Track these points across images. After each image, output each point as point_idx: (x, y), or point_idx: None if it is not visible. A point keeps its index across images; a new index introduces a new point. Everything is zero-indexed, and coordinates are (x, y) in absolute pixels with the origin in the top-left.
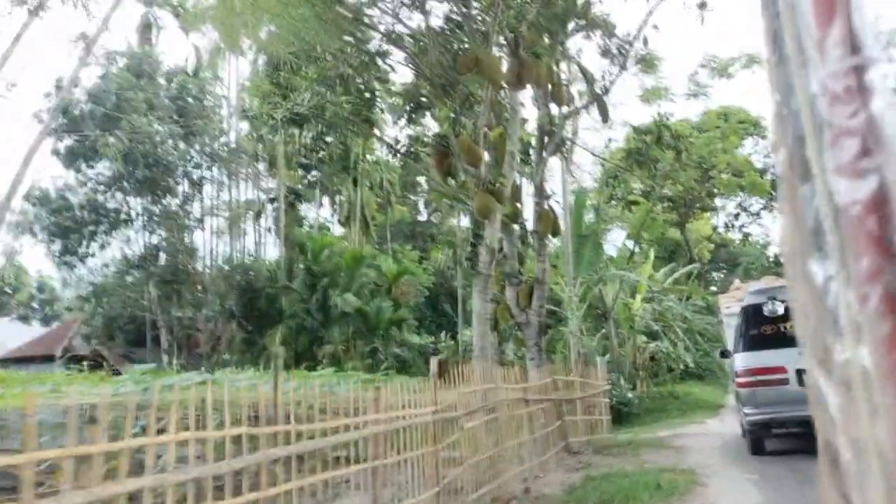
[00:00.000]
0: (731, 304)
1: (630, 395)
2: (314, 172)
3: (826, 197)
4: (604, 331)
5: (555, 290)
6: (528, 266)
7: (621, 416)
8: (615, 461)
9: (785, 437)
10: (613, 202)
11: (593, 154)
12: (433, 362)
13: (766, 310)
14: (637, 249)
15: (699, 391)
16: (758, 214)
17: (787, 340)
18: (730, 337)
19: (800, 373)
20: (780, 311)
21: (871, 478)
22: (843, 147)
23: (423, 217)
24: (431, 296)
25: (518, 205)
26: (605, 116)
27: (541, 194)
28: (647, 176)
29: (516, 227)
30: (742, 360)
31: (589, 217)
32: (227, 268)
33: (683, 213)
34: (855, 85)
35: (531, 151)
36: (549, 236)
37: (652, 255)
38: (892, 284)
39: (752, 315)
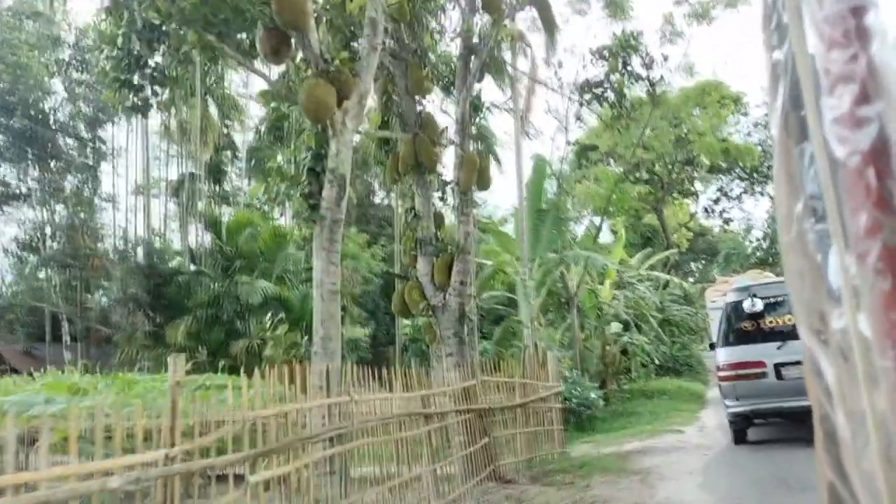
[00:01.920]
0: (716, 299)
1: (594, 395)
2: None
3: (823, 151)
4: (568, 321)
5: (508, 274)
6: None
7: (583, 420)
8: (556, 497)
9: (766, 427)
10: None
11: (535, 81)
12: (171, 362)
13: (747, 306)
14: (606, 227)
15: (676, 389)
16: (739, 198)
17: (766, 336)
18: (715, 330)
19: (778, 367)
20: (760, 307)
21: (869, 450)
22: (842, 95)
23: (379, 199)
24: (385, 284)
25: (437, 150)
26: (548, 26)
27: (464, 132)
28: (613, 118)
29: (432, 178)
30: (724, 355)
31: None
32: (130, 250)
33: (661, 196)
34: (853, 28)
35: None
36: (476, 189)
37: (623, 233)
38: (891, 239)
39: (734, 311)
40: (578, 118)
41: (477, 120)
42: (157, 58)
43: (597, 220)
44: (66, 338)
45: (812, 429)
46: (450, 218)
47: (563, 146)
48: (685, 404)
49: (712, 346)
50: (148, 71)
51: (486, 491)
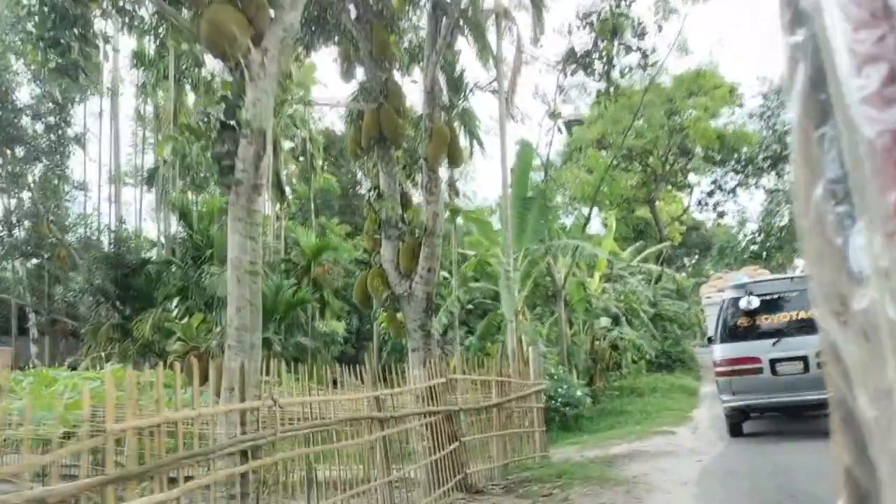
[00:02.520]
0: (712, 295)
1: (580, 393)
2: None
3: (849, 132)
4: (555, 315)
5: (493, 265)
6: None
7: (568, 420)
8: None
9: (760, 421)
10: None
11: (521, 59)
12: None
13: (743, 303)
14: (597, 219)
15: (668, 386)
16: (733, 191)
17: (762, 333)
18: (711, 326)
19: (773, 363)
20: (756, 304)
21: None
22: (870, 75)
23: (364, 190)
24: None
25: (403, 122)
26: (535, 1)
27: (433, 102)
28: (601, 94)
29: (398, 153)
30: (720, 351)
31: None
32: (98, 239)
33: (654, 189)
34: (881, 8)
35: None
36: (447, 164)
37: (614, 225)
38: None
39: (731, 308)
40: (562, 89)
41: (459, 102)
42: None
43: (586, 210)
44: (34, 331)
45: (808, 422)
46: (421, 200)
47: (550, 132)
48: (677, 402)
49: (710, 342)
50: (77, 30)
51: (452, 503)
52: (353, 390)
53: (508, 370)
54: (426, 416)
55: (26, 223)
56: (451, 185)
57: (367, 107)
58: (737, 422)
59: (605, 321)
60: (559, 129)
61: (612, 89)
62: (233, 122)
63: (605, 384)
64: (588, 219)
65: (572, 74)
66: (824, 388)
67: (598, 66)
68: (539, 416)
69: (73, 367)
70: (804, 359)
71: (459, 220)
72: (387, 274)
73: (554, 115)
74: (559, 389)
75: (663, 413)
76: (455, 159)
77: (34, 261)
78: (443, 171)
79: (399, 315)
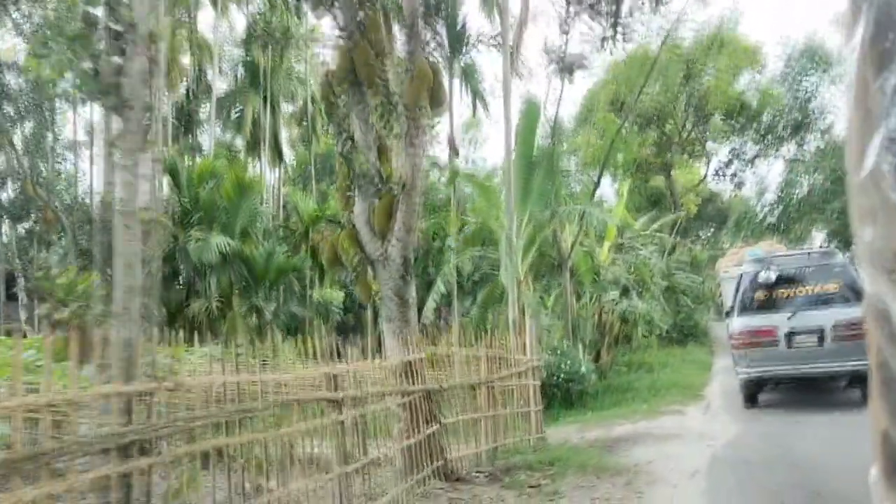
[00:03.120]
0: (729, 268)
1: (585, 368)
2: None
3: None
4: (561, 286)
5: (495, 232)
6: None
7: (572, 397)
8: None
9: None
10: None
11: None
12: None
13: (762, 277)
14: (609, 188)
15: (680, 361)
16: (752, 161)
17: (778, 306)
18: (728, 300)
19: (789, 335)
20: (774, 278)
21: None
22: None
23: None
24: None
25: (382, 60)
26: None
27: (414, 36)
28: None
29: (375, 99)
30: (737, 324)
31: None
32: (84, 201)
33: (670, 158)
34: None
35: None
36: (428, 108)
37: (626, 192)
38: None
39: (749, 281)
40: (565, 31)
41: (461, 56)
42: None
43: (597, 176)
44: (22, 296)
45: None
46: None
47: (553, 78)
48: (688, 378)
49: (727, 315)
50: None
51: (427, 493)
52: (301, 367)
53: (501, 344)
54: (403, 395)
55: (13, 184)
56: (451, 145)
57: (337, 43)
58: (752, 392)
59: (613, 293)
60: (562, 76)
61: (620, 33)
62: (118, 27)
63: (613, 359)
64: (597, 184)
65: (576, 16)
66: (838, 360)
67: (605, 4)
68: (536, 394)
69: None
70: (819, 332)
71: (466, 189)
72: (359, 234)
73: (555, 56)
74: (563, 364)
75: (673, 390)
76: (437, 102)
77: (23, 224)
78: (442, 128)
79: (372, 280)
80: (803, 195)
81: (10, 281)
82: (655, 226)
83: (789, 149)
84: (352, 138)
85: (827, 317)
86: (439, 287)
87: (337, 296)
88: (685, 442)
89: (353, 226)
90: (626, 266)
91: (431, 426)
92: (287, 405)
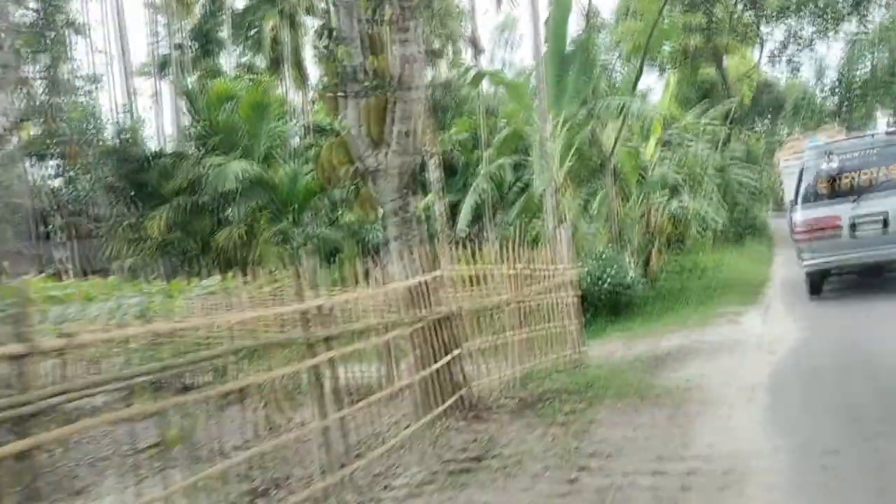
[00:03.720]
0: (789, 159)
1: (632, 275)
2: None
3: None
4: (604, 190)
5: (526, 134)
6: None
7: (619, 306)
8: (536, 447)
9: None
10: None
11: None
12: None
13: (824, 165)
14: (655, 77)
15: (735, 261)
16: (810, 43)
17: (841, 195)
18: (790, 192)
19: (852, 222)
20: (837, 166)
21: None
22: None
23: None
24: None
25: None
26: None
27: None
28: None
29: None
30: (800, 214)
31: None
32: (107, 134)
33: (722, 44)
34: None
35: None
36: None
37: (673, 80)
38: None
39: (811, 170)
40: None
41: None
42: None
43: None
44: (56, 234)
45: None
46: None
47: None
48: (746, 277)
49: (791, 207)
50: None
51: (444, 432)
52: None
53: (531, 258)
54: (413, 323)
55: (36, 120)
56: (474, 42)
57: None
58: (816, 282)
59: (663, 193)
60: None
61: None
62: None
63: (665, 262)
64: (639, 73)
65: None
66: None
67: None
68: (573, 308)
69: (104, 274)
70: (884, 217)
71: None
72: (351, 143)
73: None
74: (607, 272)
75: (729, 292)
76: None
77: (50, 162)
78: (464, 27)
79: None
80: (866, 75)
81: (44, 220)
82: (706, 118)
83: (850, 26)
84: (331, 29)
85: (891, 202)
86: (472, 199)
87: (373, 215)
88: (742, 352)
89: (346, 132)
90: (675, 162)
91: (448, 355)
92: (247, 351)
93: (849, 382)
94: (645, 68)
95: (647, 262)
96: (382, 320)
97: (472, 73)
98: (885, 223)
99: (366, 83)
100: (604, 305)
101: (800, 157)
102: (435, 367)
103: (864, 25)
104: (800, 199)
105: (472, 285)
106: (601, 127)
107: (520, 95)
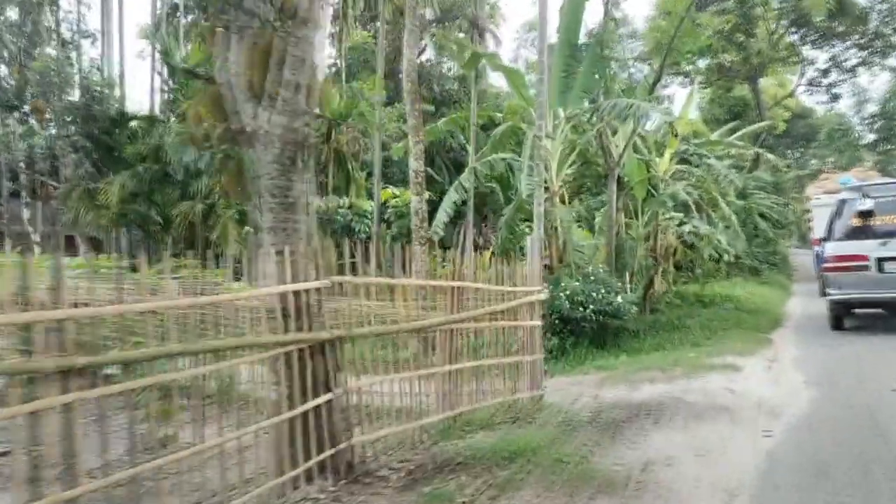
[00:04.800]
0: (821, 196)
1: (621, 301)
2: None
3: None
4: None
5: (525, 130)
6: None
7: (606, 335)
8: None
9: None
10: None
11: None
12: None
13: (858, 204)
14: (670, 77)
15: (749, 295)
16: (853, 70)
17: (872, 233)
18: (817, 227)
19: (881, 261)
20: (870, 206)
21: None
22: None
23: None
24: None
25: None
26: None
27: None
28: None
29: None
30: (830, 248)
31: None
32: (76, 91)
33: (758, 64)
34: None
35: None
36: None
37: (696, 90)
38: None
39: (845, 208)
40: None
41: None
42: None
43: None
44: (25, 193)
45: None
46: None
47: None
48: (756, 317)
49: (823, 241)
50: None
51: (303, 500)
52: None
53: (473, 271)
54: (274, 347)
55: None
56: (475, 23)
57: None
58: (839, 314)
59: (677, 212)
60: None
61: None
62: None
63: (669, 289)
64: (659, 74)
65: None
66: None
67: None
68: (534, 338)
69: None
70: None
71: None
72: (226, 94)
73: None
74: (594, 294)
75: (733, 332)
76: None
77: (16, 115)
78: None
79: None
80: None
81: (14, 177)
82: (734, 137)
83: None
84: None
85: None
86: (452, 197)
87: (366, 204)
88: (732, 423)
89: (223, 81)
90: (693, 180)
91: (324, 395)
92: None
93: (869, 494)
94: (676, 82)
95: (648, 287)
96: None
97: (468, 54)
98: None
99: (255, 14)
100: (587, 333)
101: (832, 195)
102: (301, 408)
103: None
104: (832, 234)
105: (391, 300)
106: (610, 131)
107: (517, 85)
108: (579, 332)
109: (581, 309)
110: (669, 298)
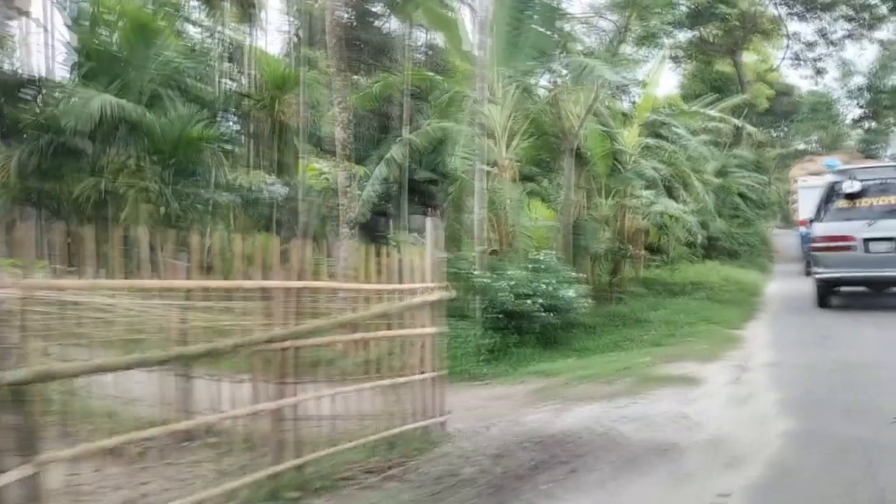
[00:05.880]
0: (807, 178)
1: (573, 292)
2: None
3: None
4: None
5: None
6: None
7: (555, 332)
8: None
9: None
10: None
11: None
12: None
13: (846, 186)
14: (634, 33)
15: (723, 281)
16: (840, 43)
17: (858, 214)
18: (802, 209)
19: (866, 241)
20: (858, 188)
21: None
22: None
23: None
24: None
25: None
26: None
27: None
28: None
29: None
30: (819, 229)
31: None
32: None
33: (740, 37)
34: None
35: None
36: None
37: (666, 52)
38: None
39: (833, 190)
40: None
41: None
42: None
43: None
44: None
45: None
46: None
47: None
48: (729, 308)
49: (811, 223)
50: None
51: None
52: None
53: (379, 267)
54: None
55: None
56: None
57: None
58: (825, 293)
59: (647, 190)
60: None
61: None
62: None
63: (637, 275)
64: (622, 35)
65: None
66: None
67: None
68: (428, 351)
69: None
70: (895, 239)
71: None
72: None
73: None
74: (542, 285)
75: (701, 328)
76: None
77: None
78: None
79: None
80: None
81: None
82: (714, 111)
83: (888, 29)
84: None
85: None
86: (380, 172)
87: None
88: (674, 474)
89: None
90: (665, 156)
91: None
92: None
93: None
94: (652, 56)
95: (614, 273)
96: None
97: None
98: None
99: None
100: (532, 331)
101: (819, 177)
102: None
103: None
104: (820, 215)
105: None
106: (570, 99)
107: (453, 37)
108: (526, 328)
109: (526, 302)
110: (635, 286)
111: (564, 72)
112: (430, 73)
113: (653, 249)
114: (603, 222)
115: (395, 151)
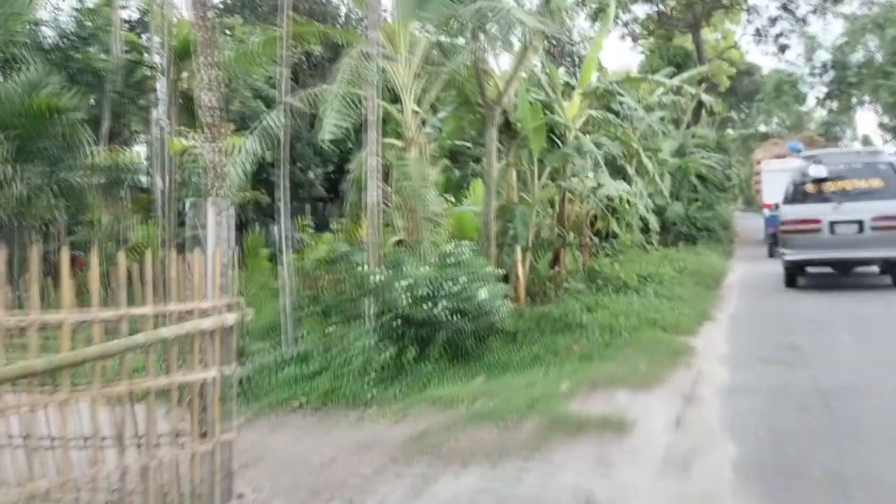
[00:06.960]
0: (772, 162)
1: (487, 293)
2: None
3: None
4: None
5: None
6: None
7: (468, 342)
8: None
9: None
10: None
11: None
12: None
13: (812, 171)
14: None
15: (677, 272)
16: (804, 20)
17: (825, 198)
18: (767, 192)
19: (832, 224)
20: (824, 173)
21: None
22: None
23: None
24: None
25: None
26: None
27: None
28: None
29: None
30: (786, 212)
31: None
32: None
33: (701, 12)
34: None
35: None
36: None
37: (614, 8)
38: None
39: (800, 174)
40: None
41: None
42: None
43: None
44: None
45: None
46: None
47: None
48: (680, 306)
49: (777, 206)
50: None
51: None
52: None
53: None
54: None
55: None
56: None
57: None
58: (793, 273)
59: (586, 168)
60: None
61: None
62: None
63: (580, 267)
64: None
65: None
66: (875, 247)
67: None
68: (209, 395)
69: None
70: (860, 222)
71: None
72: None
73: None
74: (449, 284)
75: (644, 335)
76: None
77: None
78: None
79: None
80: (867, 57)
81: None
82: (673, 82)
83: (852, 3)
84: None
85: (868, 209)
86: (251, 145)
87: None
88: None
89: None
90: (615, 130)
91: None
92: None
93: None
94: (614, 34)
95: (553, 263)
96: None
97: None
98: (861, 227)
99: None
100: (440, 342)
101: (784, 160)
102: None
103: (871, 3)
104: (787, 198)
105: None
106: (488, 55)
107: None
108: (429, 338)
109: (426, 305)
110: (577, 281)
111: (470, 16)
112: (320, 26)
113: (604, 237)
114: (538, 207)
115: (272, 120)
